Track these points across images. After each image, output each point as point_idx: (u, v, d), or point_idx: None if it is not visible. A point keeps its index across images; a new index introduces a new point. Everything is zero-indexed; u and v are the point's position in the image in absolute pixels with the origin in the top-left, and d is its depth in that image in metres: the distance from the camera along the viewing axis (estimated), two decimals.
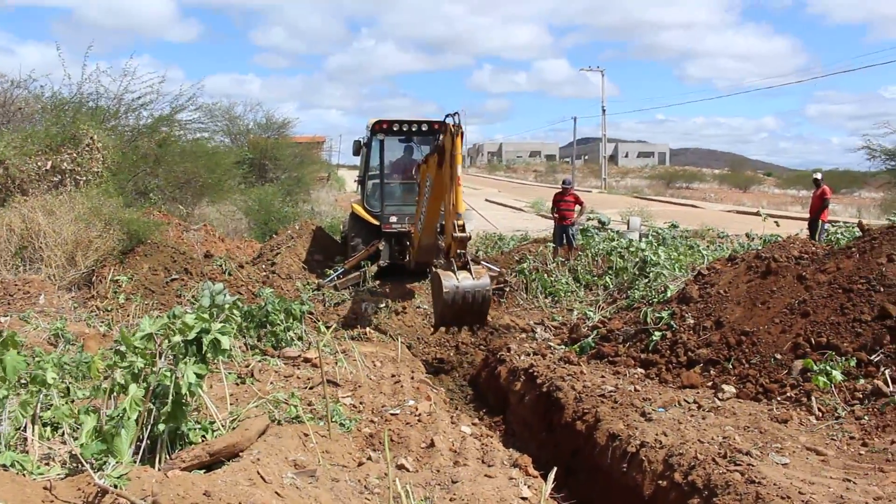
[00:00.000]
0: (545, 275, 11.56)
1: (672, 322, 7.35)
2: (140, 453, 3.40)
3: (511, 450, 5.08)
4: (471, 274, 7.85)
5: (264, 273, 12.13)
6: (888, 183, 29.72)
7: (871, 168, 29.34)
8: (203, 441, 3.66)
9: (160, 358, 3.55)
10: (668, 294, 8.57)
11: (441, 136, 11.94)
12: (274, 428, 4.17)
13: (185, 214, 16.63)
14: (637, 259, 11.39)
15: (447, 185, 8.32)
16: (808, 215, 15.72)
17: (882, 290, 6.25)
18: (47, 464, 3.42)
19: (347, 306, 10.79)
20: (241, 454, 3.59)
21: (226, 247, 14.60)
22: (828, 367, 5.68)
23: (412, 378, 6.63)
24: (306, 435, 4.21)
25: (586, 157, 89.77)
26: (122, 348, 3.55)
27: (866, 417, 5.11)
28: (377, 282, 11.88)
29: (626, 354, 7.36)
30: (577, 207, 14.15)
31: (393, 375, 6.48)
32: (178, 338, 3.55)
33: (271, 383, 5.54)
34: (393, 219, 12.20)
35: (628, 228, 18.24)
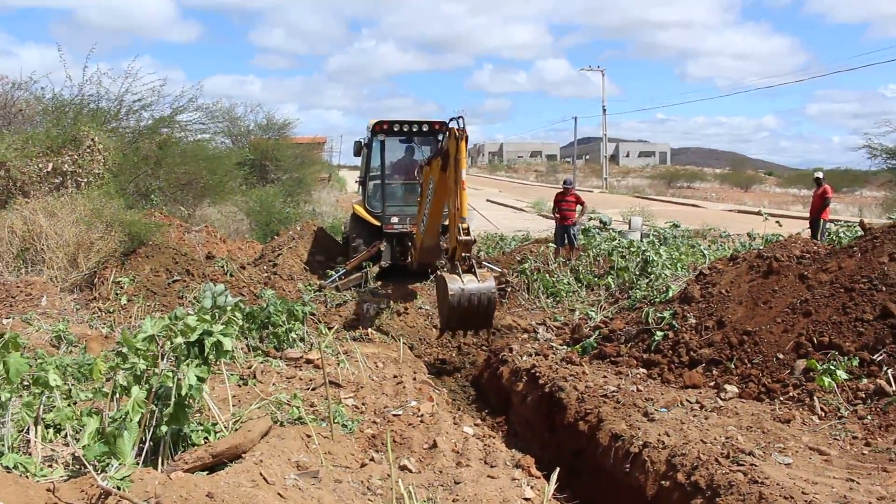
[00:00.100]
0: (547, 275, 11.55)
1: (674, 322, 7.34)
2: (143, 455, 3.41)
3: (513, 450, 5.07)
4: (476, 277, 7.88)
5: (266, 274, 12.13)
6: (889, 182, 29.66)
7: (872, 167, 29.27)
8: (206, 443, 3.66)
9: (162, 360, 3.55)
10: (670, 294, 8.57)
11: (443, 137, 11.97)
12: (276, 429, 4.17)
13: (186, 216, 16.63)
14: (639, 259, 11.38)
15: (451, 189, 8.33)
16: (809, 214, 15.70)
17: (884, 289, 6.24)
18: (50, 466, 3.43)
19: (349, 307, 10.79)
20: (243, 456, 3.60)
21: (227, 248, 14.60)
22: (830, 367, 5.68)
23: (414, 379, 6.64)
24: (309, 436, 4.21)
25: (587, 157, 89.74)
26: (125, 350, 3.55)
27: (869, 417, 5.10)
28: (379, 282, 11.88)
29: (628, 354, 7.36)
30: (579, 207, 14.14)
31: (395, 376, 6.48)
32: (180, 339, 3.55)
33: (273, 385, 5.54)
34: (394, 219, 12.20)
35: (630, 228, 18.23)
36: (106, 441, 3.34)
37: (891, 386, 5.32)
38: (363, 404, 5.47)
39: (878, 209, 29.31)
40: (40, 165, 11.85)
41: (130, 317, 8.80)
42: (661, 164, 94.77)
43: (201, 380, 3.50)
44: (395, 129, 12.33)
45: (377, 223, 12.34)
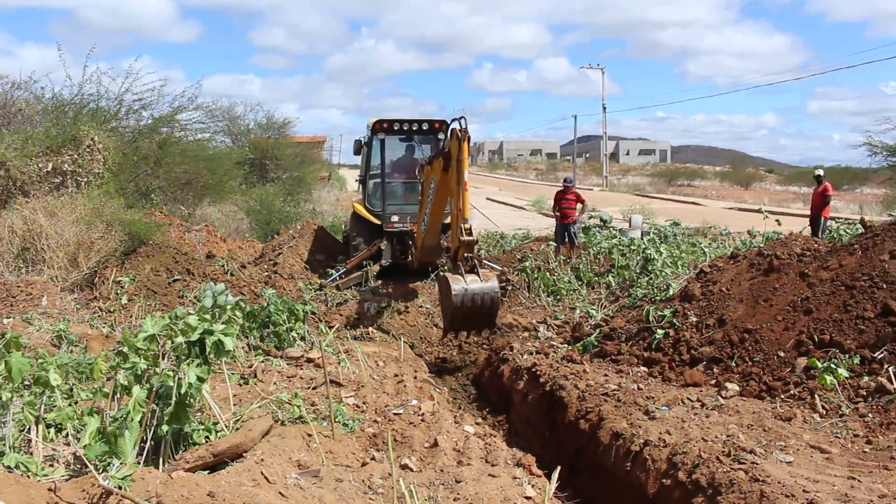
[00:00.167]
0: (547, 273, 11.55)
1: (675, 320, 7.34)
2: (144, 454, 3.41)
3: (514, 449, 5.07)
4: (479, 277, 7.88)
5: (266, 273, 12.13)
6: (890, 179, 29.67)
7: (873, 164, 29.27)
8: (207, 442, 3.66)
9: (163, 359, 3.55)
10: (671, 292, 8.57)
11: (443, 136, 11.96)
12: (277, 428, 4.17)
13: (186, 215, 16.63)
14: (639, 257, 11.38)
15: (454, 190, 8.33)
16: (809, 212, 15.69)
17: (885, 286, 6.23)
18: (51, 465, 3.43)
19: (350, 306, 10.79)
20: (244, 455, 3.60)
21: (227, 247, 14.60)
22: (831, 365, 5.67)
23: (415, 378, 6.64)
24: (310, 435, 4.21)
25: (587, 155, 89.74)
26: (125, 349, 3.55)
27: (870, 415, 5.09)
28: (379, 281, 11.88)
29: (628, 353, 7.36)
30: (579, 206, 14.13)
31: (396, 375, 6.48)
32: (181, 339, 3.55)
33: (274, 384, 5.54)
34: (394, 218, 12.19)
35: (630, 226, 18.22)
36: (107, 440, 3.34)
37: (892, 384, 5.31)
38: (364, 403, 5.47)
39: (878, 206, 29.30)
40: (40, 165, 11.85)
41: (131, 316, 8.81)
42: (661, 162, 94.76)
43: (202, 379, 3.50)
44: (396, 128, 12.32)
45: (377, 222, 12.34)
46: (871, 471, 4.19)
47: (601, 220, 16.42)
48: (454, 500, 3.80)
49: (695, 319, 7.20)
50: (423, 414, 5.35)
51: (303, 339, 7.35)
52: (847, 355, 5.80)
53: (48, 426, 3.79)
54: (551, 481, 4.16)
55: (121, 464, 3.20)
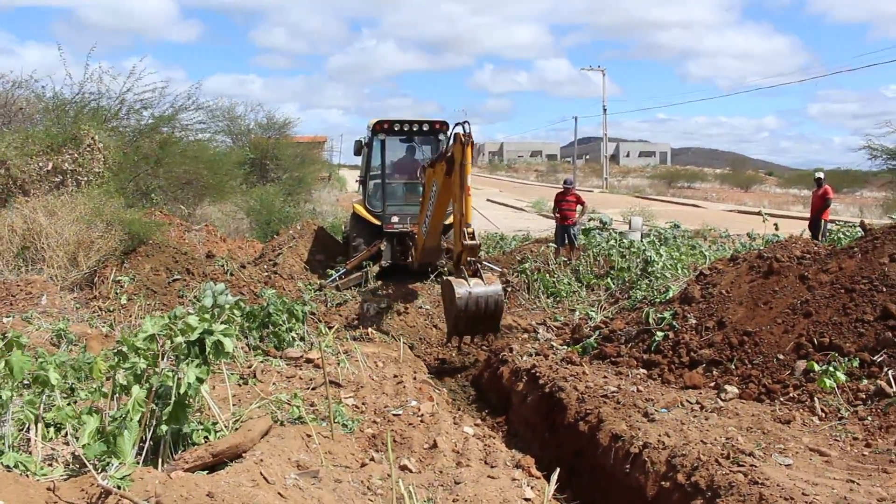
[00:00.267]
0: (547, 275, 11.55)
1: (674, 322, 7.34)
2: (143, 454, 3.41)
3: (514, 451, 5.07)
4: (482, 280, 7.89)
5: (266, 273, 12.14)
6: (890, 182, 29.67)
7: (873, 168, 29.30)
8: (206, 442, 3.66)
9: (162, 359, 3.55)
10: (670, 294, 8.57)
11: (444, 137, 11.97)
12: (276, 429, 4.17)
13: (186, 215, 16.64)
14: (639, 259, 11.38)
15: (457, 195, 8.34)
16: (809, 215, 15.70)
17: (885, 290, 6.23)
18: (50, 465, 3.43)
19: (349, 307, 10.79)
20: (243, 455, 3.60)
21: (227, 247, 14.62)
22: (831, 368, 5.67)
23: (414, 378, 6.64)
24: (309, 436, 4.21)
25: (587, 157, 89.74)
26: (125, 349, 3.55)
27: (869, 418, 5.09)
28: (379, 282, 11.88)
29: (628, 355, 7.35)
30: (579, 207, 14.13)
31: (395, 376, 6.48)
32: (180, 339, 3.55)
33: (273, 384, 5.54)
34: (394, 219, 12.19)
35: (630, 228, 18.22)
36: (106, 440, 3.34)
37: (891, 387, 5.31)
38: (363, 404, 5.47)
39: (878, 210, 29.31)
40: (40, 164, 11.85)
41: (130, 316, 8.81)
42: (661, 164, 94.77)
43: (201, 379, 3.50)
44: (396, 129, 12.33)
45: (377, 222, 12.34)
46: (870, 474, 4.19)
47: (601, 221, 16.43)
48: (453, 501, 3.80)
49: (694, 322, 7.20)
50: (422, 415, 5.35)
51: (302, 339, 7.35)
52: (846, 358, 5.80)
53: (47, 425, 3.79)
54: (550, 483, 4.16)
55: (120, 463, 3.20)
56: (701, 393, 6.02)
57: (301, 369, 6.14)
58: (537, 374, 6.90)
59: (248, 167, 23.07)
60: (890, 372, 5.47)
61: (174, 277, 10.54)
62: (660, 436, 4.81)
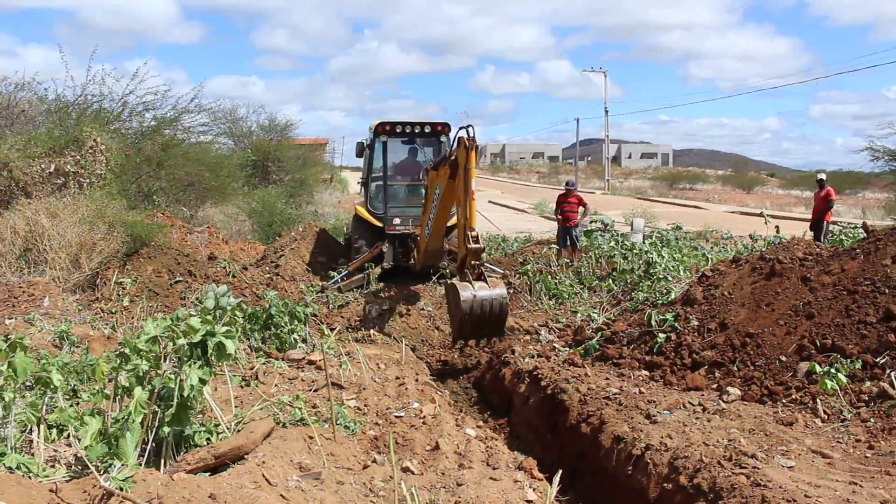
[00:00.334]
0: (549, 276, 11.55)
1: (676, 324, 7.33)
2: (145, 456, 3.41)
3: (516, 452, 5.07)
4: (487, 284, 7.90)
5: (268, 275, 12.14)
6: (892, 184, 29.61)
7: (875, 169, 29.24)
8: (208, 444, 3.66)
9: (165, 361, 3.55)
10: (672, 296, 8.56)
11: (446, 139, 11.97)
12: (279, 430, 4.17)
13: (188, 216, 16.66)
14: (641, 261, 11.37)
15: (461, 199, 8.35)
16: (811, 216, 15.68)
17: (887, 291, 6.22)
18: (53, 466, 3.43)
19: (351, 308, 10.80)
20: (246, 457, 3.60)
21: (229, 249, 14.63)
22: (833, 370, 5.66)
23: (416, 380, 6.64)
24: (311, 437, 4.21)
25: (589, 158, 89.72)
26: (127, 351, 3.56)
27: (872, 420, 5.08)
28: (381, 284, 11.88)
29: (630, 356, 7.35)
30: (581, 209, 14.13)
31: (397, 378, 6.48)
32: (182, 340, 3.55)
33: (276, 386, 5.54)
34: (396, 220, 12.19)
35: (632, 230, 18.21)
36: (108, 442, 3.35)
37: (894, 389, 5.30)
38: (365, 406, 5.47)
39: (880, 211, 29.31)
40: (43, 166, 11.88)
41: (133, 317, 8.82)
42: (663, 165, 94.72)
43: (203, 381, 3.50)
44: (398, 131, 12.33)
45: (379, 224, 12.34)
46: (872, 476, 4.18)
47: (603, 223, 16.43)
48: (455, 503, 3.80)
49: (696, 323, 7.20)
50: (424, 417, 5.35)
51: (304, 341, 7.35)
52: (849, 360, 5.79)
53: (50, 427, 3.79)
54: (552, 485, 4.16)
55: (122, 465, 3.20)
56: (703, 395, 6.01)
57: (303, 371, 6.14)
58: (539, 375, 6.90)
59: (249, 169, 23.11)
60: (892, 374, 5.46)
61: (176, 279, 10.55)
62: (662, 438, 4.80)
